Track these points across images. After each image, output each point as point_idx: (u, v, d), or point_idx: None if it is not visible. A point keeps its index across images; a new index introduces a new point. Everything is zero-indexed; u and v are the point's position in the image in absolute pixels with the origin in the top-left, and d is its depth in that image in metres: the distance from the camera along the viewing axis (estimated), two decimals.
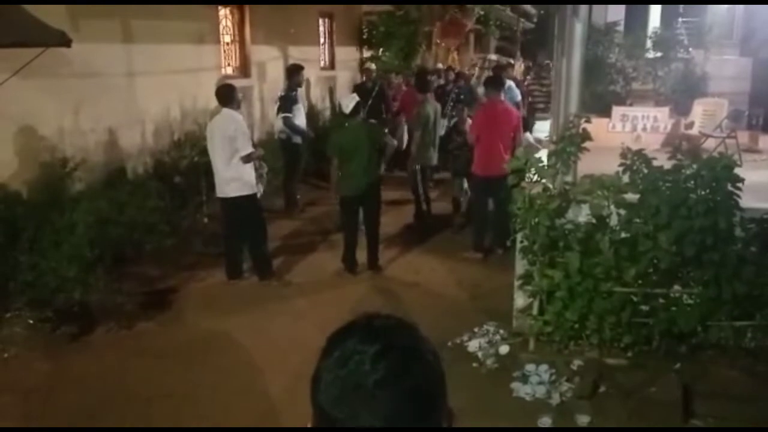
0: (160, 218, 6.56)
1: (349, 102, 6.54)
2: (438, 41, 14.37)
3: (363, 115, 6.76)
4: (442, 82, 12.37)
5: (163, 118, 7.86)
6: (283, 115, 8.41)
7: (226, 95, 6.12)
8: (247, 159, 6.03)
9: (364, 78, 11.31)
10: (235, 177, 6.04)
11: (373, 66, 11.43)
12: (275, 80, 10.48)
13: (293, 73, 8.71)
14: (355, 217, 6.64)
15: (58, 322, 5.18)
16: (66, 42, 5.38)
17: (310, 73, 12.02)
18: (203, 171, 7.17)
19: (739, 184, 4.28)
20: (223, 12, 9.50)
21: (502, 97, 7.42)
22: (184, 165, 7.75)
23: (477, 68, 15.82)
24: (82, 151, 6.52)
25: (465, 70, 15.09)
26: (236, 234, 6.37)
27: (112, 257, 5.71)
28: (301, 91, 8.81)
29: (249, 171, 6.14)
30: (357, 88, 10.29)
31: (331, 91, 12.81)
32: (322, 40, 13.04)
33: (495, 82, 7.39)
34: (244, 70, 9.92)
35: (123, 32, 7.19)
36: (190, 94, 8.20)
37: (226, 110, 6.07)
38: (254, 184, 6.21)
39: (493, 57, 13.98)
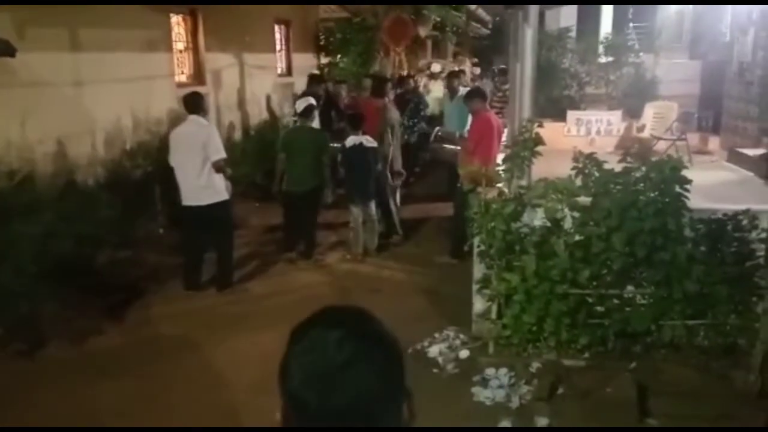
0: (112, 230, 6.40)
1: (302, 103, 7.07)
2: (385, 43, 14.19)
3: (313, 118, 7.23)
4: (399, 90, 12.24)
5: (114, 127, 7.67)
6: None
7: (194, 102, 6.07)
8: (218, 166, 5.96)
9: (311, 84, 10.94)
10: (209, 184, 5.98)
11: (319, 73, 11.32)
12: (231, 87, 10.36)
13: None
14: (293, 212, 6.99)
15: (6, 339, 5.02)
16: (10, 51, 5.24)
17: (267, 80, 11.95)
18: (158, 180, 7.04)
19: (687, 186, 4.36)
20: (176, 19, 9.35)
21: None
22: (138, 175, 7.60)
23: (424, 77, 15.61)
24: (30, 163, 6.32)
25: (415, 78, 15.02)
26: (200, 243, 6.28)
27: (63, 270, 5.54)
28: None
29: (221, 177, 6.10)
30: (306, 94, 10.14)
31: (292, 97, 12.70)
32: (278, 47, 12.95)
33: (479, 93, 7.26)
34: (198, 77, 9.78)
35: (71, 40, 6.99)
36: (142, 102, 8.03)
37: (193, 117, 6.01)
38: (225, 190, 6.16)
39: (437, 68, 13.83)
